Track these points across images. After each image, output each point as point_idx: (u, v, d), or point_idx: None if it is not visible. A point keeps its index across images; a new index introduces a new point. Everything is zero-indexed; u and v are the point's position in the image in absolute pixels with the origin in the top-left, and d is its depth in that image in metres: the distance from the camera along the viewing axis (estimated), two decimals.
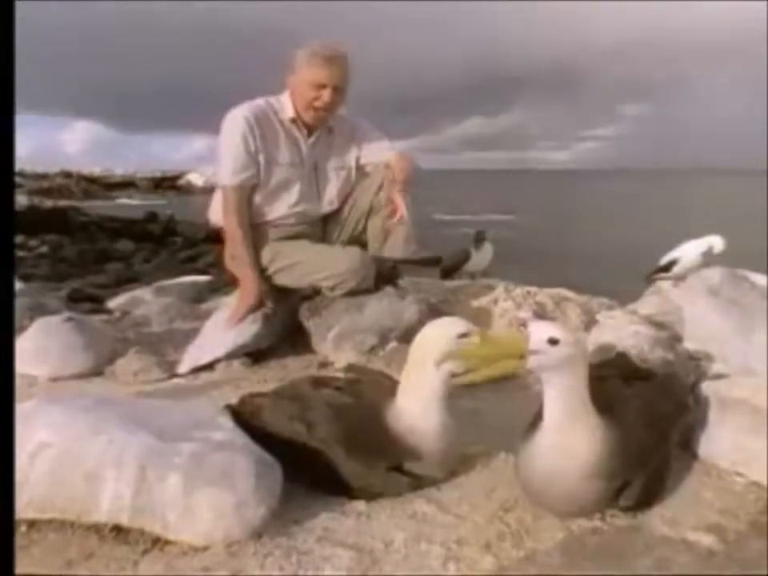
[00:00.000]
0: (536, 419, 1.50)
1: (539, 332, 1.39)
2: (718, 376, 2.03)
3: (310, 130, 2.65)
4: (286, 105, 2.60)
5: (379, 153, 2.75)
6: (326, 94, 2.50)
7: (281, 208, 2.65)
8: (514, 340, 1.51)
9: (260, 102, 2.61)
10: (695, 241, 3.19)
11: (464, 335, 1.53)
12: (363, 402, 1.64)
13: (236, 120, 2.54)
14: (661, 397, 1.67)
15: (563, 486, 1.41)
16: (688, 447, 1.73)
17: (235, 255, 2.61)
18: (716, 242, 3.09)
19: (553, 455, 1.41)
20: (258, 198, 2.61)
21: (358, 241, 2.77)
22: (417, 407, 1.56)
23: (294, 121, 2.60)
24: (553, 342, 1.37)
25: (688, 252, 3.13)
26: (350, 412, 1.60)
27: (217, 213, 2.70)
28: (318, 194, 2.72)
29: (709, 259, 3.04)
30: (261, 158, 2.55)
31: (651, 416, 1.56)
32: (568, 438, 1.39)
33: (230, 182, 2.54)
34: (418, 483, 1.55)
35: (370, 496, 1.52)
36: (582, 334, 1.47)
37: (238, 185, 2.54)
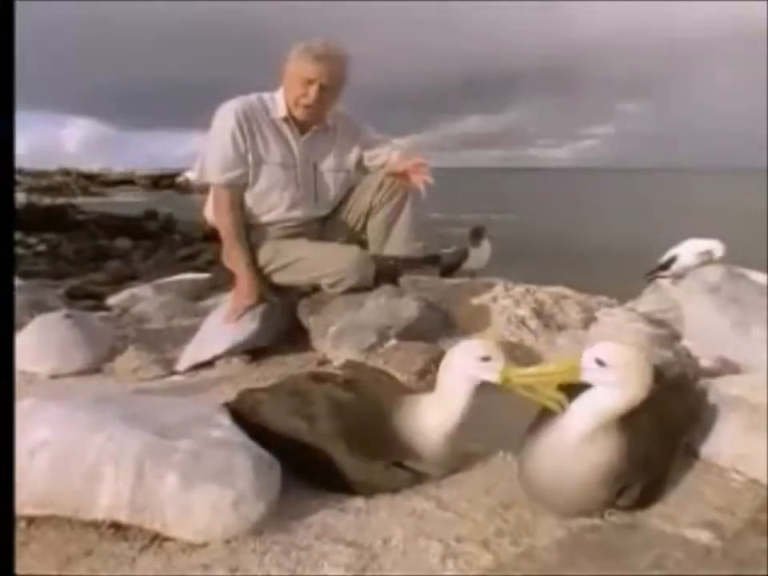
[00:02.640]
0: (540, 419, 1.49)
1: (593, 351, 1.37)
2: (717, 373, 2.03)
3: (302, 128, 2.60)
4: (278, 103, 2.56)
5: (384, 157, 2.73)
6: (312, 91, 2.44)
7: (276, 211, 2.62)
8: (568, 361, 1.48)
9: (252, 97, 2.56)
10: (695, 240, 3.18)
11: (487, 358, 1.49)
12: (364, 397, 1.64)
13: (226, 116, 2.50)
14: (673, 402, 1.66)
15: (571, 488, 1.40)
16: (687, 445, 1.73)
17: (230, 254, 2.60)
18: (716, 248, 3.09)
19: (566, 458, 1.39)
20: (250, 199, 2.59)
21: (357, 239, 2.76)
22: (441, 414, 1.54)
23: (285, 119, 2.56)
24: (600, 362, 1.35)
25: (687, 250, 3.13)
26: (351, 407, 1.60)
27: (211, 210, 2.68)
28: (316, 197, 2.68)
29: (706, 260, 3.04)
30: (249, 156, 2.52)
31: (663, 422, 1.55)
32: (586, 445, 1.37)
33: (219, 180, 2.52)
34: (418, 479, 1.55)
35: (369, 491, 1.52)
36: (648, 363, 1.43)
37: (228, 183, 2.53)
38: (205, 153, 2.57)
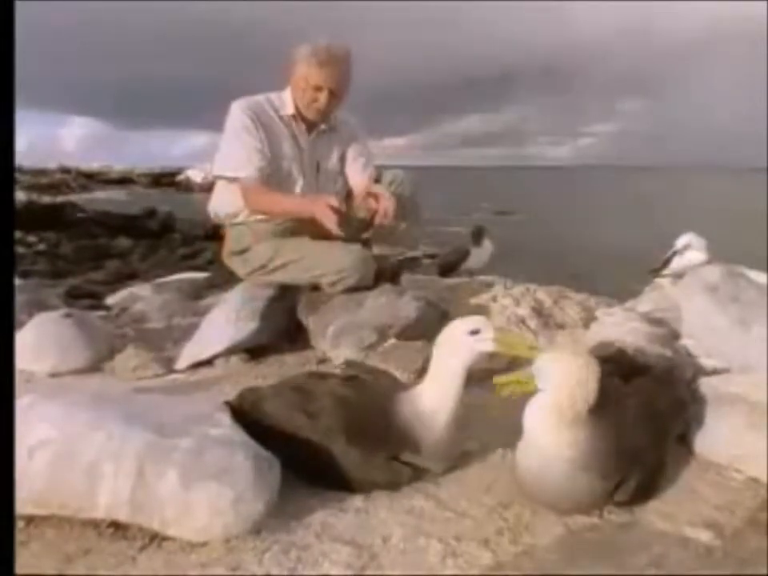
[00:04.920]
0: None
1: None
2: (716, 372, 2.03)
3: (309, 126, 2.66)
4: (286, 101, 2.62)
5: (355, 173, 2.76)
6: (323, 97, 2.52)
7: None
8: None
9: (259, 98, 2.63)
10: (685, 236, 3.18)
11: (476, 332, 1.56)
12: (364, 394, 1.65)
13: (237, 114, 2.56)
14: (659, 393, 1.67)
15: (556, 481, 1.42)
16: (685, 443, 1.73)
17: (290, 209, 2.61)
18: (692, 240, 3.10)
19: (532, 456, 1.44)
20: None
21: (359, 238, 2.77)
22: (437, 397, 1.57)
23: (293, 117, 2.63)
24: None
25: (681, 247, 3.13)
26: (352, 403, 1.60)
27: (221, 207, 2.71)
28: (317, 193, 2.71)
29: (688, 248, 3.05)
30: (266, 150, 2.57)
31: (649, 414, 1.57)
32: (543, 440, 1.42)
33: (249, 171, 2.54)
34: (417, 475, 1.55)
35: (369, 487, 1.52)
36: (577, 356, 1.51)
37: (258, 173, 2.55)
38: (227, 153, 2.61)
